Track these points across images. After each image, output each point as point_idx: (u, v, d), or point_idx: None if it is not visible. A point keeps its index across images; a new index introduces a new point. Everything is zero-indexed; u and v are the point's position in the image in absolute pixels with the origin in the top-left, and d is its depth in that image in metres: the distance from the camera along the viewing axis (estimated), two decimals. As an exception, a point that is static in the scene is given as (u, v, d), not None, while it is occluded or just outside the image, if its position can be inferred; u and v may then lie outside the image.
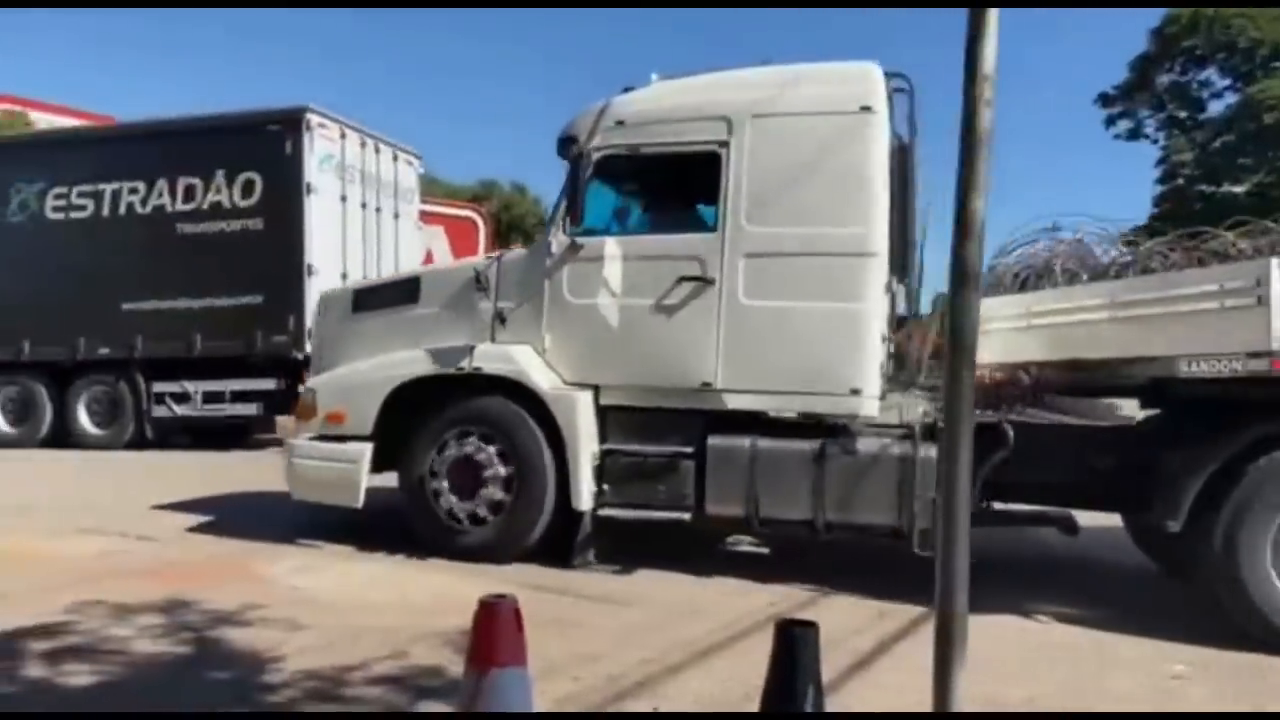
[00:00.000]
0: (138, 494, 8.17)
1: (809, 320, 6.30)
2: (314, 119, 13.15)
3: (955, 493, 2.42)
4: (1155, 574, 6.88)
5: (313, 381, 7.57)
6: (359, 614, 5.38)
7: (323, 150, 13.34)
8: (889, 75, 6.54)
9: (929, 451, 6.04)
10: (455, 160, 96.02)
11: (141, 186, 13.74)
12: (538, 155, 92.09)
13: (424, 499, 6.87)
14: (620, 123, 6.73)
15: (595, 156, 6.73)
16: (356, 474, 6.94)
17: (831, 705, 2.95)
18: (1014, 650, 5.09)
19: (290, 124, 13.07)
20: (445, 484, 6.82)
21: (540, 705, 3.30)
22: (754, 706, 2.63)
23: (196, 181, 13.45)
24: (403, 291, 7.47)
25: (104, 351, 13.72)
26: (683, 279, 6.49)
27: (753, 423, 6.51)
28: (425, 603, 5.64)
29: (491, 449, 6.76)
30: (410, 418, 7.02)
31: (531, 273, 6.89)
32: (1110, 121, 35.53)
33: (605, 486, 6.64)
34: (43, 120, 26.48)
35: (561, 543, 6.71)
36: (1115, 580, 6.94)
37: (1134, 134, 35.19)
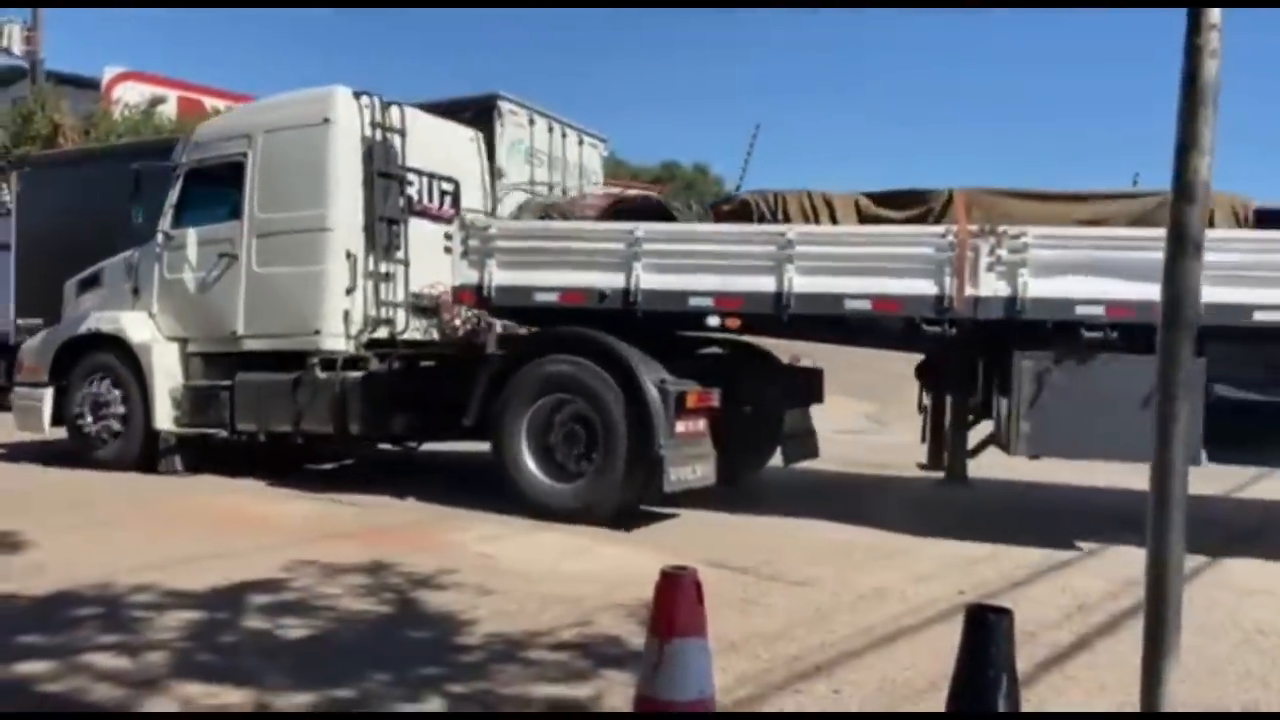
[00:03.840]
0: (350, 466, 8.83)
1: (290, 281, 8.52)
2: (504, 106, 13.45)
3: (1169, 478, 2.23)
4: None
5: (24, 345, 10.38)
6: (545, 582, 5.55)
7: (513, 136, 13.66)
8: (360, 93, 8.54)
9: (346, 375, 8.29)
10: (638, 142, 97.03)
11: None
12: (719, 136, 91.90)
13: (76, 426, 9.33)
14: (198, 143, 9.27)
15: (184, 169, 9.18)
16: (41, 410, 9.49)
17: (1026, 699, 2.82)
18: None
19: (482, 111, 13.50)
20: (87, 413, 9.24)
21: (720, 681, 3.30)
22: (940, 695, 2.53)
23: None
24: (95, 279, 9.80)
25: None
26: (221, 255, 8.79)
27: (277, 359, 8.50)
28: (609, 574, 5.76)
29: (117, 391, 9.12)
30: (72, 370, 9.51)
31: (150, 259, 9.23)
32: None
33: (179, 412, 8.96)
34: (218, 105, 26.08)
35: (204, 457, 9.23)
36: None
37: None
